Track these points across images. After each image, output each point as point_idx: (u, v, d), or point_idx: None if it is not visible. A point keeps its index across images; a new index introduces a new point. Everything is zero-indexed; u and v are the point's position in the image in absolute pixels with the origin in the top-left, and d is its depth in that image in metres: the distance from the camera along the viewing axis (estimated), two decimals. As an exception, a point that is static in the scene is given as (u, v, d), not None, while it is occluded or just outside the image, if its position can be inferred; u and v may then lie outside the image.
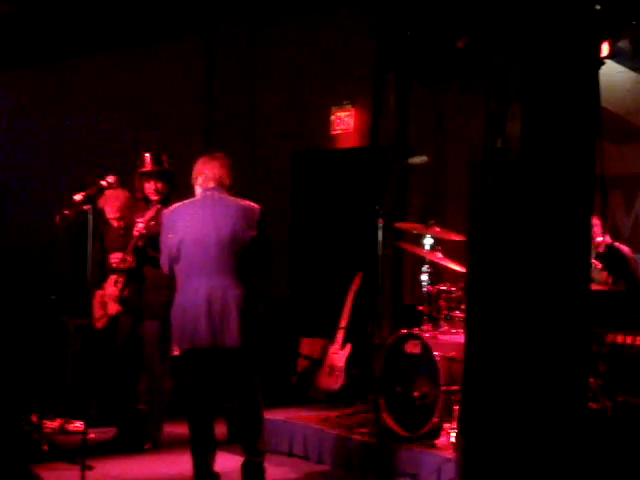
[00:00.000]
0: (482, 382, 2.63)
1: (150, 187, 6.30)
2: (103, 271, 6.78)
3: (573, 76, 2.49)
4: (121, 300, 6.26)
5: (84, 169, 9.85)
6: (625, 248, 6.11)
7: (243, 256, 5.11)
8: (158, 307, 6.17)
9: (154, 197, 6.28)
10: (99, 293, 6.76)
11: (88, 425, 6.68)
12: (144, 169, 6.28)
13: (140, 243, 6.09)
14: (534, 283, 2.52)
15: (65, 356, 7.40)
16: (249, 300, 5.08)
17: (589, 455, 2.89)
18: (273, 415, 6.34)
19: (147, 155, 6.36)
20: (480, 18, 2.65)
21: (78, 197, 5.51)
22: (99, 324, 6.73)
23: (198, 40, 9.68)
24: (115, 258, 6.32)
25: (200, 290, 5.02)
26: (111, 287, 6.64)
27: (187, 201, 5.24)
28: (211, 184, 5.17)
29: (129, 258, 6.20)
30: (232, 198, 5.22)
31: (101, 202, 6.50)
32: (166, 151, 6.53)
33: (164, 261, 5.18)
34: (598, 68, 2.65)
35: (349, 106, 8.53)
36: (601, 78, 2.98)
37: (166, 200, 6.13)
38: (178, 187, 5.63)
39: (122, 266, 6.26)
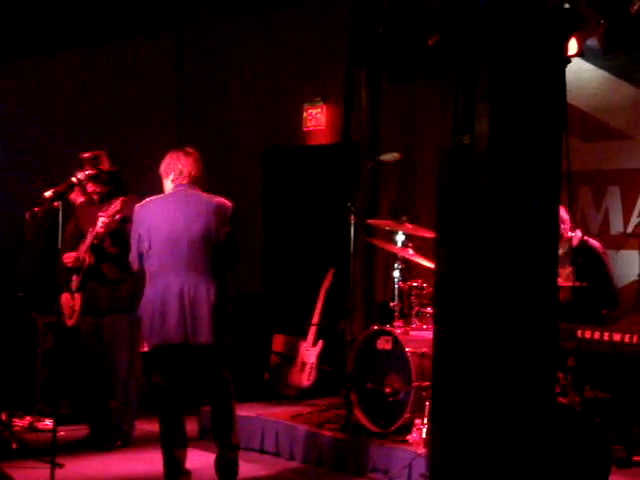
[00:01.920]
0: (452, 378, 2.65)
1: (90, 189, 6.36)
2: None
3: (540, 74, 2.51)
4: (81, 300, 6.25)
5: (53, 165, 9.80)
6: (596, 243, 6.15)
7: (215, 253, 5.10)
8: (119, 302, 6.19)
9: (95, 198, 6.37)
10: (66, 293, 6.73)
11: (58, 423, 6.64)
12: (77, 176, 6.23)
13: (95, 241, 6.13)
14: (502, 279, 2.55)
15: (35, 354, 7.36)
16: (220, 296, 5.08)
17: (558, 450, 2.92)
18: (245, 411, 6.34)
19: (84, 157, 6.37)
20: (449, 16, 2.67)
21: (48, 194, 5.49)
22: (69, 322, 6.69)
23: (169, 36, 9.64)
24: (68, 258, 6.32)
25: (171, 286, 5.01)
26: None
27: (159, 196, 5.20)
28: (184, 180, 5.15)
29: (85, 257, 6.23)
30: (205, 194, 5.21)
31: (71, 197, 6.50)
32: (104, 151, 6.55)
33: (134, 257, 5.16)
34: (565, 66, 2.67)
35: (320, 103, 8.53)
36: (569, 76, 3.01)
37: (109, 198, 6.18)
38: (149, 181, 5.58)
39: (77, 265, 6.28)
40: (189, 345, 5.03)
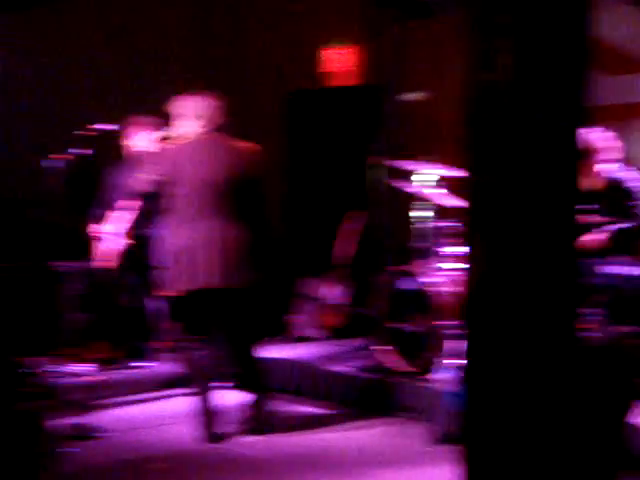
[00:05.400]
0: (485, 319, 2.66)
1: None
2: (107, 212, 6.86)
3: (564, 5, 2.48)
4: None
5: (78, 111, 9.81)
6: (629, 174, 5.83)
7: (243, 197, 5.12)
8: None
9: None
10: (100, 236, 6.83)
11: (91, 367, 6.80)
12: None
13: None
14: (527, 212, 2.53)
15: (63, 299, 7.44)
16: (250, 240, 5.10)
17: (581, 383, 2.93)
18: (274, 353, 6.42)
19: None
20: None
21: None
22: (105, 267, 6.81)
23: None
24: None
25: (201, 231, 5.02)
26: (116, 224, 6.72)
27: (185, 141, 5.17)
28: (207, 125, 5.14)
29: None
30: (230, 140, 5.20)
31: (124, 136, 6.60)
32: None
33: (143, 186, 5.14)
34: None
35: (343, 44, 8.43)
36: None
37: None
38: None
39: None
40: (220, 289, 5.06)
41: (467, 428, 2.80)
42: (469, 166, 2.68)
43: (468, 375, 2.75)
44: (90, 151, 6.12)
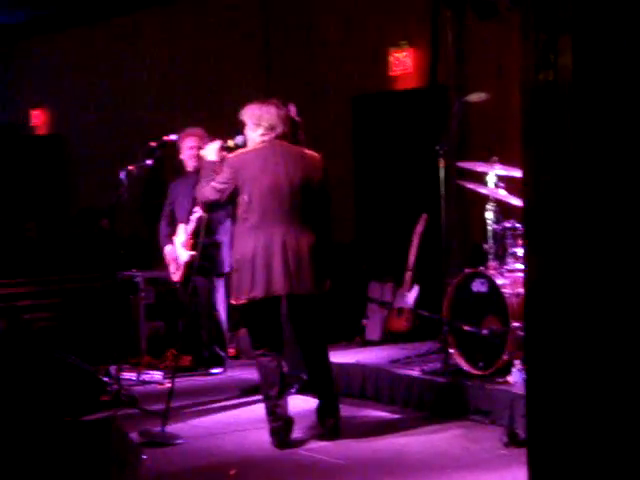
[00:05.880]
0: (544, 315, 2.63)
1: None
2: (172, 226, 6.99)
3: (626, 3, 2.43)
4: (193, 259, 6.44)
5: (148, 124, 9.99)
6: None
7: (312, 203, 5.16)
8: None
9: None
10: (168, 248, 6.97)
11: (165, 375, 6.90)
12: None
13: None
14: (590, 215, 2.50)
15: (138, 309, 7.58)
16: (321, 246, 5.14)
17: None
18: (344, 358, 6.43)
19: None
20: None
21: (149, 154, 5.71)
22: (176, 278, 6.93)
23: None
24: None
25: (275, 238, 5.04)
26: (180, 236, 6.87)
27: (252, 149, 5.21)
28: (276, 133, 5.17)
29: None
30: (296, 147, 5.25)
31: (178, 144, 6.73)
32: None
33: (220, 196, 5.17)
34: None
35: (406, 46, 8.41)
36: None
37: None
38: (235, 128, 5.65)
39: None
40: (294, 295, 5.10)
41: (531, 430, 2.78)
42: (526, 166, 2.66)
43: (529, 377, 2.73)
44: (158, 162, 6.26)
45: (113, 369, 6.40)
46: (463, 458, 4.85)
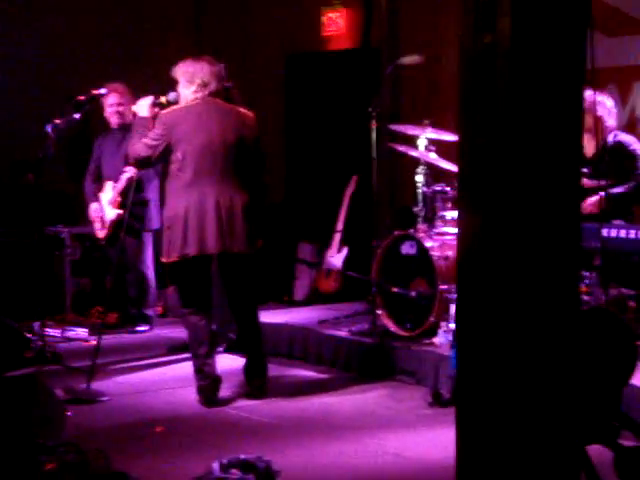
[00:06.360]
0: (476, 277, 2.66)
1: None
2: (98, 183, 6.89)
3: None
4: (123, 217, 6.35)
5: (74, 76, 9.74)
6: (628, 138, 5.78)
7: (246, 162, 5.12)
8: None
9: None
10: (95, 206, 6.86)
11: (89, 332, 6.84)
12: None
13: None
14: (524, 177, 2.53)
15: (63, 265, 7.47)
16: (254, 205, 5.11)
17: (583, 347, 2.95)
18: (272, 318, 6.44)
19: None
20: None
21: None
22: (101, 235, 6.84)
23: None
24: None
25: (208, 196, 5.00)
26: (107, 193, 6.77)
27: (185, 106, 5.12)
28: (209, 91, 5.10)
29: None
30: (229, 105, 5.19)
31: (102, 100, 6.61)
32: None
33: (151, 154, 5.08)
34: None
35: (340, 6, 8.37)
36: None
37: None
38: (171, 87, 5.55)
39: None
40: (224, 254, 5.07)
41: (458, 390, 2.83)
42: (462, 130, 2.67)
43: (459, 338, 2.77)
44: (85, 116, 6.12)
45: (37, 325, 6.30)
46: (389, 417, 4.92)
